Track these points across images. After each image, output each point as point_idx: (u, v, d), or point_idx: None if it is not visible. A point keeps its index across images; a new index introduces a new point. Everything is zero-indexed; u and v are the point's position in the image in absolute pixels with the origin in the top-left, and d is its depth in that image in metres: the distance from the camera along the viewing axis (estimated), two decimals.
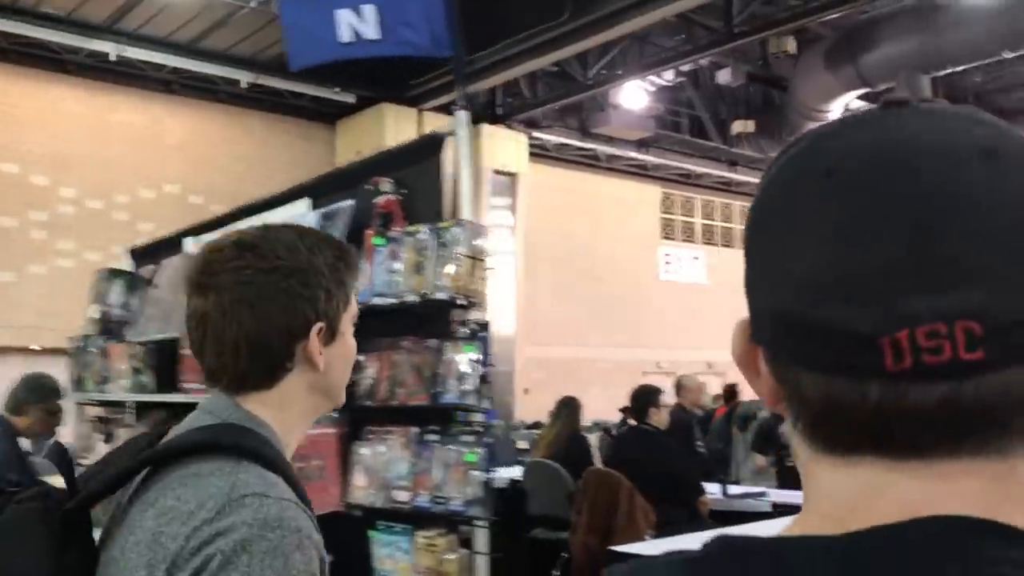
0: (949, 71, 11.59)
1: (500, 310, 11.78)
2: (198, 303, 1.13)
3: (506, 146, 12.02)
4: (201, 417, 1.13)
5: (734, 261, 16.56)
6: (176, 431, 1.13)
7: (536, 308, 13.15)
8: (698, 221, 16.12)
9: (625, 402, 11.96)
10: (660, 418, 5.07)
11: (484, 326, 2.58)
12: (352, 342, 1.21)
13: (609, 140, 13.29)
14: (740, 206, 16.75)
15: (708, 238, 16.32)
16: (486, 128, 11.74)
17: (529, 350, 12.63)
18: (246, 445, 1.06)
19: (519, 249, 12.06)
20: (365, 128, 11.72)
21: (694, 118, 14.58)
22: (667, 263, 15.53)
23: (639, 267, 14.97)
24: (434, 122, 11.57)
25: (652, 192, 15.43)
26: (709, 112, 14.12)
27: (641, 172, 14.93)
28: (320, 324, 1.14)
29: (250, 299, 1.11)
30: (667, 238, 15.62)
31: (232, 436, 1.08)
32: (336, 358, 1.18)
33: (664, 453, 4.90)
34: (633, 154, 13.74)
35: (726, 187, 15.90)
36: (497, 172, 11.88)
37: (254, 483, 1.02)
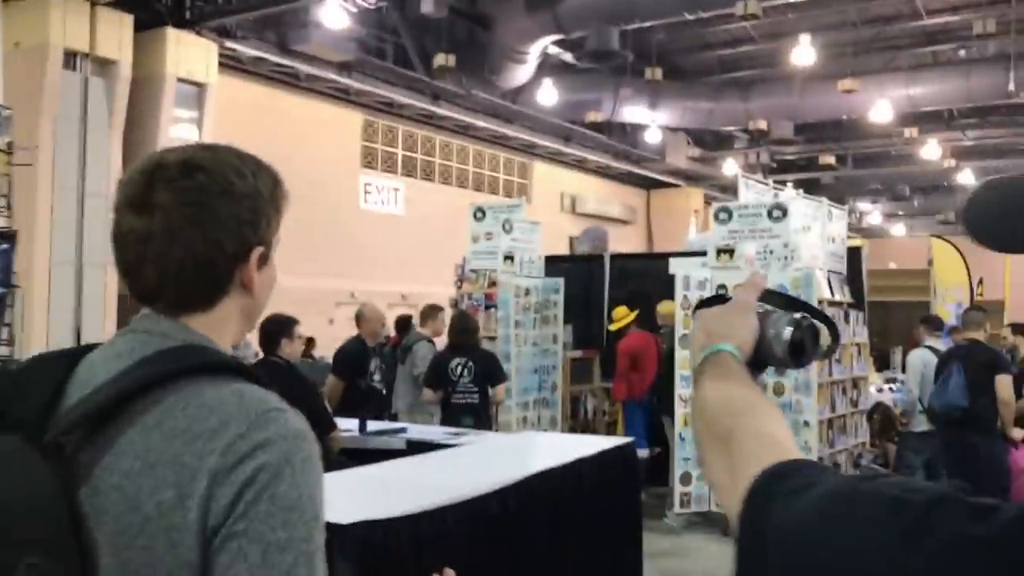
0: (637, 26, 12.26)
1: None
2: (137, 222, 1.11)
3: (193, 54, 11.13)
4: (152, 340, 1.11)
5: (433, 194, 16.72)
6: (117, 352, 1.11)
7: None
8: (400, 152, 16.02)
9: (315, 334, 11.74)
10: (292, 350, 4.90)
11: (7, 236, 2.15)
12: (275, 272, 1.23)
13: (310, 59, 12.74)
14: (441, 140, 16.85)
15: (409, 170, 16.29)
16: (171, 32, 10.81)
17: None
18: (232, 363, 1.10)
19: None
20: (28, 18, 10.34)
21: (399, 46, 14.37)
22: (367, 192, 15.32)
23: (338, 194, 14.64)
24: (109, 18, 10.44)
25: (354, 118, 15.08)
26: (413, 42, 13.97)
27: (343, 97, 14.52)
28: (260, 248, 1.16)
29: (200, 221, 1.11)
30: (368, 167, 15.38)
31: (216, 356, 1.11)
32: (266, 283, 1.21)
33: (290, 387, 4.74)
34: (334, 76, 13.29)
35: (428, 120, 15.90)
36: (182, 81, 10.99)
37: (268, 399, 1.07)
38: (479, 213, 8.70)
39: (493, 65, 14.00)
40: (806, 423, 7.05)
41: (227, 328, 1.19)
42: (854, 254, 9.34)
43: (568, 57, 16.11)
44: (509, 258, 8.35)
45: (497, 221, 8.41)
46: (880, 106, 15.76)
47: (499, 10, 13.23)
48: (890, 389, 9.89)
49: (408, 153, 16.26)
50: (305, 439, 1.07)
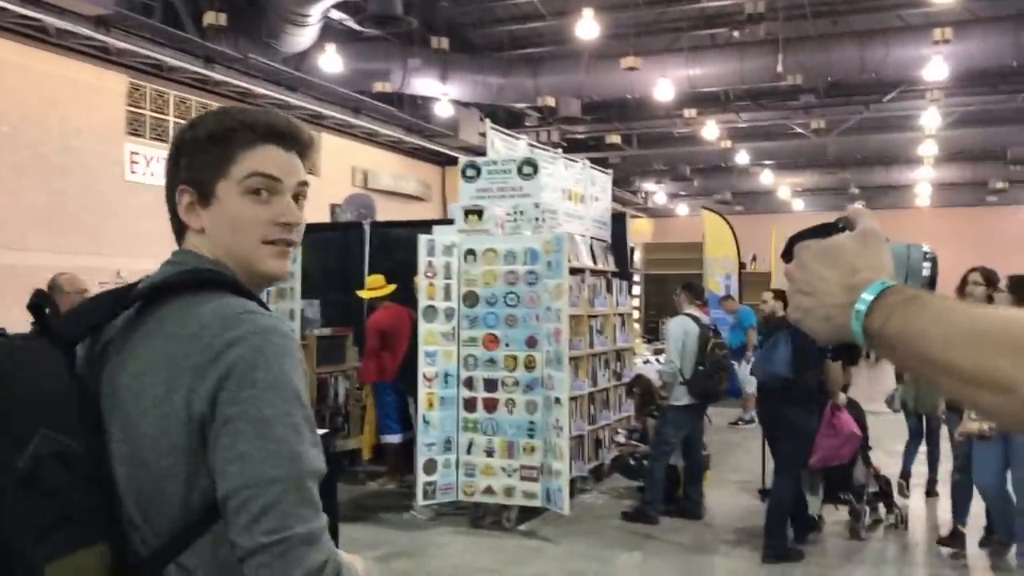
0: None
1: None
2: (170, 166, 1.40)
3: None
4: (167, 267, 1.35)
5: None
6: (149, 278, 1.33)
7: None
8: (171, 119, 14.85)
9: None
10: None
11: None
12: (238, 208, 1.35)
13: (60, 12, 11.45)
14: (219, 107, 15.78)
15: None
16: None
17: None
18: (220, 278, 1.30)
19: None
20: None
21: (165, 3, 13.25)
22: (134, 162, 14.08)
23: (100, 165, 13.35)
24: None
25: (117, 81, 13.79)
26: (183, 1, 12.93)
27: (102, 56, 13.22)
28: (182, 187, 1.36)
29: (169, 168, 1.39)
30: (134, 134, 14.14)
31: (203, 274, 1.30)
32: (216, 222, 1.36)
33: None
34: (90, 33, 12.04)
35: (203, 85, 14.81)
36: None
37: (242, 304, 1.27)
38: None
39: (271, 28, 13.18)
40: (557, 400, 6.54)
41: (212, 244, 1.37)
42: (619, 222, 9.16)
43: (354, 24, 15.50)
44: None
45: None
46: (662, 85, 16.18)
47: None
48: (658, 361, 10.02)
49: (181, 120, 15.10)
50: (276, 332, 1.24)
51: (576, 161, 8.22)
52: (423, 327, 6.87)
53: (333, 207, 15.49)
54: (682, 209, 32.25)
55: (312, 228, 9.53)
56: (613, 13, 16.78)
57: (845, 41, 16.11)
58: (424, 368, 6.87)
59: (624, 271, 8.74)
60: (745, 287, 13.51)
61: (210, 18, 12.15)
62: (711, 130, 20.64)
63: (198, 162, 1.35)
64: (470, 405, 6.92)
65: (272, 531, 1.15)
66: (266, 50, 13.79)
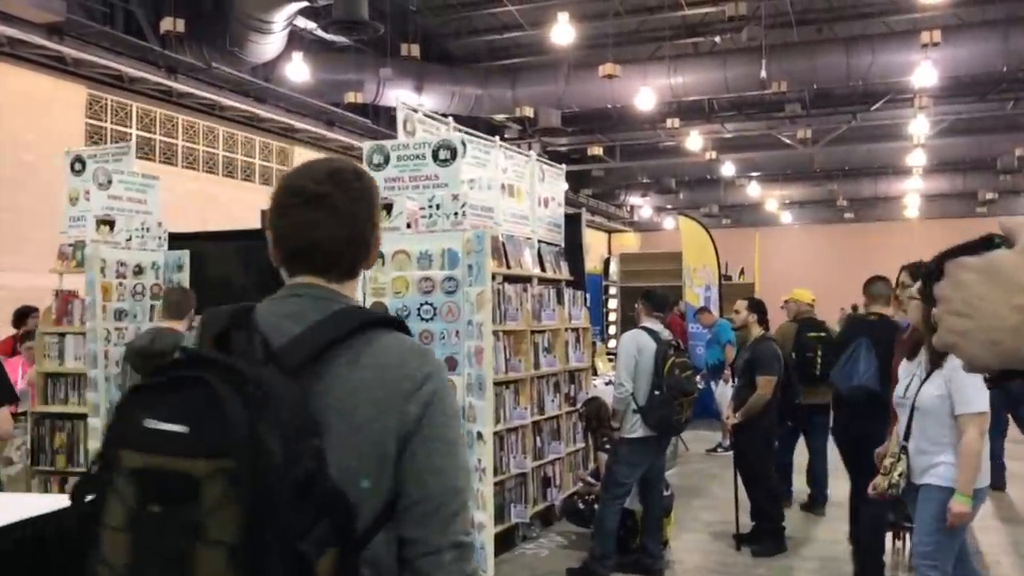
0: None
1: None
2: (310, 214, 1.50)
3: None
4: (321, 302, 1.51)
5: (177, 180, 15.13)
6: (299, 311, 1.49)
7: None
8: (134, 131, 14.30)
9: None
10: None
11: None
12: None
13: (8, 19, 10.93)
14: (185, 120, 15.25)
15: (146, 152, 14.60)
16: None
17: None
18: (392, 317, 1.58)
19: None
20: None
21: (125, 11, 12.75)
22: None
23: (56, 179, 12.78)
24: None
25: (75, 92, 13.25)
26: (139, 4, 12.42)
27: (60, 67, 12.68)
28: (376, 234, 1.61)
29: (352, 213, 1.53)
30: (95, 146, 13.57)
31: (380, 314, 1.56)
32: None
33: None
34: (42, 41, 11.50)
35: (167, 96, 14.27)
36: None
37: (418, 343, 1.57)
38: (77, 164, 6.74)
39: (235, 36, 12.66)
40: (479, 435, 5.27)
41: (355, 290, 1.64)
42: (572, 223, 7.90)
43: (322, 33, 15.01)
44: (106, 223, 6.41)
45: (103, 175, 6.55)
46: (643, 94, 15.73)
47: None
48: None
49: (145, 133, 14.56)
50: (445, 368, 1.56)
51: (523, 153, 7.23)
52: None
53: (263, 212, 14.91)
54: (668, 223, 31.76)
55: (233, 235, 8.06)
56: (593, 22, 16.39)
57: (830, 48, 15.72)
58: None
59: (579, 279, 7.58)
60: (727, 300, 12.82)
61: (167, 24, 11.63)
62: (695, 141, 20.21)
63: (378, 210, 1.63)
64: None
65: (460, 533, 1.45)
66: (231, 60, 13.27)
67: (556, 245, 7.39)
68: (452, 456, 1.46)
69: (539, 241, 7.05)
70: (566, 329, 7.01)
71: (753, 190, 26.97)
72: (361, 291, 5.19)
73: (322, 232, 1.50)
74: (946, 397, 3.68)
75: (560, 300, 6.99)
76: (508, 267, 6.33)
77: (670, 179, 25.84)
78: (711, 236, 12.66)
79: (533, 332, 6.49)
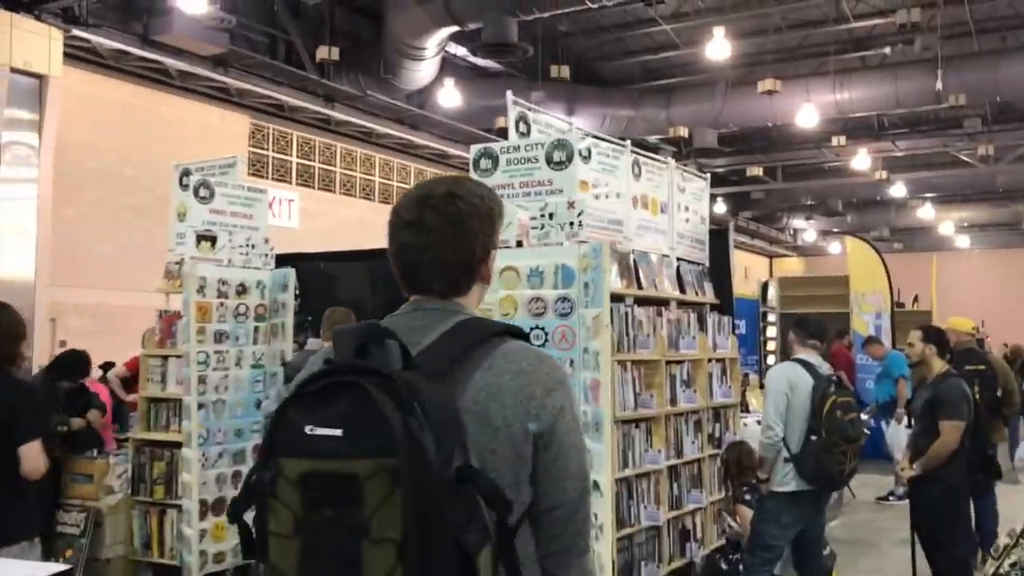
0: (535, 16, 11.25)
1: (9, 243, 9.68)
2: (415, 237, 1.60)
3: (31, 41, 9.81)
4: (445, 315, 1.60)
5: (332, 205, 15.55)
6: (425, 324, 1.58)
7: (77, 245, 11.14)
8: (294, 159, 14.78)
9: None
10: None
11: None
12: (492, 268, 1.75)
13: (178, 53, 11.47)
14: (343, 148, 15.63)
15: (305, 180, 15.05)
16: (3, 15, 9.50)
17: (62, 293, 10.65)
18: (516, 328, 1.63)
19: (46, 171, 9.96)
20: None
21: (286, 41, 13.19)
22: None
23: None
24: None
25: (240, 122, 13.81)
26: (299, 34, 12.81)
27: (226, 97, 13.24)
28: (493, 251, 1.69)
29: (460, 233, 1.60)
30: (256, 175, 14.10)
31: (505, 324, 1.62)
32: (490, 275, 1.73)
33: None
34: (208, 73, 12.03)
35: (324, 125, 14.67)
36: (16, 71, 9.66)
37: (542, 351, 1.67)
38: (185, 178, 6.15)
39: (388, 63, 12.86)
40: (595, 485, 4.35)
41: (474, 306, 1.69)
42: (719, 239, 7.07)
43: (475, 59, 15.09)
44: (207, 239, 5.93)
45: (205, 188, 6.07)
46: (805, 111, 14.94)
47: (388, 1, 12.14)
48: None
49: (305, 161, 15.02)
50: (567, 376, 1.67)
51: (658, 159, 6.38)
52: None
53: None
54: (835, 248, 30.16)
55: (345, 256, 7.88)
56: (752, 38, 15.76)
57: (1015, 57, 14.46)
58: None
59: (726, 303, 6.72)
60: (899, 329, 11.76)
61: (323, 53, 11.92)
62: (863, 160, 19.07)
63: (497, 231, 1.69)
64: None
65: (588, 536, 1.62)
66: (385, 87, 13.49)
67: (699, 264, 6.55)
68: (583, 463, 1.57)
69: (678, 259, 6.24)
70: (709, 360, 6.09)
71: (927, 212, 25.28)
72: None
73: (419, 255, 1.59)
74: None
75: (702, 326, 6.11)
76: (640, 287, 5.47)
77: (836, 201, 24.61)
78: (883, 259, 11.77)
79: (669, 362, 5.60)
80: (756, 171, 20.65)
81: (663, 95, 17.03)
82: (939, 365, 5.43)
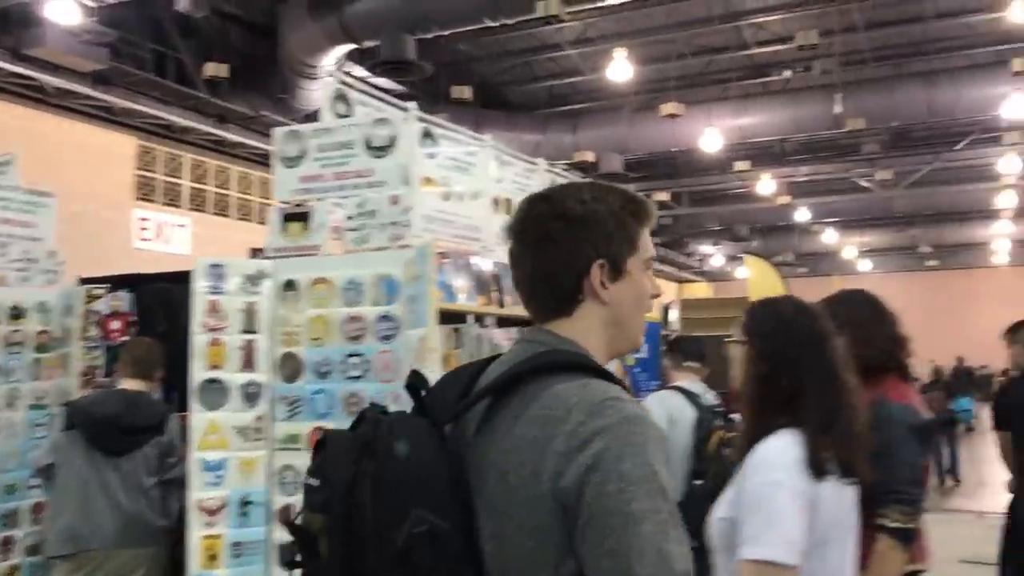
0: (435, 34, 10.94)
1: None
2: (511, 247, 1.44)
3: None
4: (530, 346, 1.37)
5: (227, 230, 14.90)
6: (507, 359, 1.39)
7: None
8: (186, 183, 14.11)
9: None
10: None
11: None
12: (644, 285, 1.44)
13: (55, 69, 10.79)
14: (238, 171, 15.02)
15: (198, 204, 14.38)
16: None
17: None
18: (583, 361, 1.31)
19: None
20: None
21: (175, 58, 12.58)
22: (143, 228, 13.31)
23: (105, 231, 12.58)
24: None
25: (125, 143, 13.10)
26: (188, 51, 12.23)
27: (109, 117, 12.54)
28: (601, 261, 1.37)
29: (539, 242, 1.39)
30: (144, 199, 13.39)
31: (569, 355, 1.33)
32: (623, 295, 1.40)
33: None
34: (88, 91, 11.35)
35: (218, 147, 14.06)
36: None
37: (606, 389, 1.26)
38: None
39: (284, 82, 12.37)
40: None
41: (590, 336, 1.39)
42: None
43: (380, 82, 14.70)
44: None
45: None
46: (708, 135, 14.99)
47: (281, 18, 11.68)
48: None
49: (197, 185, 14.36)
50: (641, 422, 1.24)
51: (526, 158, 5.55)
52: (198, 417, 3.83)
53: (253, 251, 14.49)
54: (741, 272, 30.61)
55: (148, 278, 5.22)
56: (656, 64, 15.81)
57: (910, 83, 14.79)
58: (199, 492, 3.78)
59: None
60: None
61: (210, 69, 11.37)
62: (767, 185, 19.30)
63: (614, 237, 1.40)
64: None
65: None
66: (281, 107, 12.99)
67: None
68: (632, 535, 1.17)
69: None
70: None
71: (830, 237, 25.82)
72: (269, 336, 3.89)
73: (520, 269, 1.44)
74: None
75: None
76: (502, 305, 4.64)
77: (742, 226, 24.91)
78: (782, 276, 11.74)
79: None
80: (663, 196, 20.72)
81: (570, 120, 16.96)
82: None
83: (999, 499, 5.47)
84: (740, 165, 18.28)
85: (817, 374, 2.05)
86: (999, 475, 5.43)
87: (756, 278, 11.83)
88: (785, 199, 20.74)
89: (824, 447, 1.95)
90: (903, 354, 2.67)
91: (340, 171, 3.98)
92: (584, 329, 1.38)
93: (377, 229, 3.82)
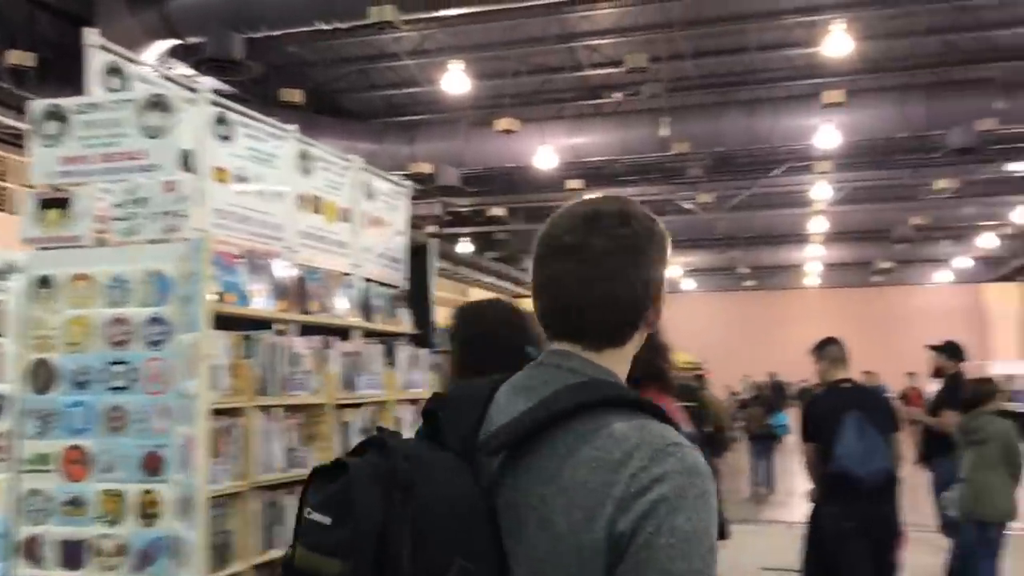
0: (265, 34, 10.53)
1: None
2: (561, 265, 1.26)
3: None
4: (561, 374, 1.24)
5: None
6: (530, 384, 1.25)
7: None
8: None
9: None
10: None
11: None
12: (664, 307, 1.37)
13: None
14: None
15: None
16: None
17: None
18: (637, 399, 1.21)
19: None
20: None
21: None
22: None
23: None
24: None
25: None
26: None
27: None
28: (656, 291, 1.30)
29: (607, 264, 1.24)
30: None
31: (620, 390, 1.23)
32: (657, 320, 1.34)
33: None
34: None
35: (16, 140, 13.03)
36: None
37: (667, 433, 1.17)
38: None
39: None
40: None
41: (627, 363, 1.32)
42: (418, 257, 5.90)
43: (208, 81, 14.04)
44: None
45: None
46: (542, 153, 15.19)
47: (97, 8, 10.95)
48: None
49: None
50: (700, 473, 1.15)
51: (338, 155, 5.27)
52: None
53: None
54: None
55: None
56: (493, 81, 15.90)
57: (733, 110, 15.51)
58: None
59: (426, 334, 5.59)
60: None
61: (16, 58, 10.52)
62: None
63: (663, 261, 1.33)
64: None
65: None
66: None
67: (394, 287, 5.49)
68: None
69: (367, 280, 5.16)
70: (400, 401, 4.95)
71: None
72: (18, 340, 3.45)
73: (580, 291, 1.26)
74: None
75: (392, 361, 4.96)
76: (306, 311, 4.37)
77: None
78: None
79: (342, 406, 4.40)
80: (499, 212, 20.86)
81: (406, 131, 16.80)
82: None
83: (806, 509, 5.71)
84: (573, 184, 18.63)
85: None
86: (807, 486, 5.67)
87: None
88: None
89: None
90: (663, 363, 2.49)
91: (108, 152, 3.50)
92: (623, 358, 1.31)
93: (148, 219, 3.35)
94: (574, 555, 1.12)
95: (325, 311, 4.54)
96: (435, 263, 6.04)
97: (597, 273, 1.25)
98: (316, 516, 1.13)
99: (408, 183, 6.07)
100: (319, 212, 4.84)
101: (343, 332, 4.77)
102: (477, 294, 27.94)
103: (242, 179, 4.08)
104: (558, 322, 1.29)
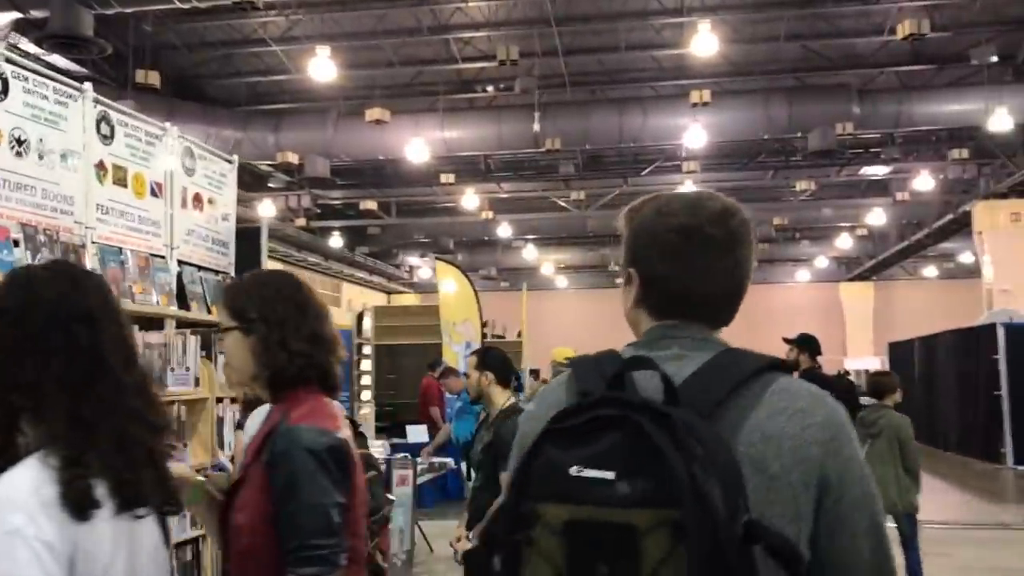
0: (116, 11, 9.94)
1: None
2: (704, 259, 1.38)
3: None
4: (706, 343, 1.37)
5: None
6: (682, 355, 1.34)
7: None
8: None
9: None
10: None
11: None
12: None
13: None
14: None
15: None
16: None
17: None
18: (780, 362, 1.34)
19: None
20: None
21: None
22: None
23: None
24: None
25: None
26: None
27: None
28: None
29: (736, 255, 1.40)
30: None
31: (770, 357, 1.34)
32: None
33: None
34: None
35: None
36: None
37: (813, 387, 1.34)
38: None
39: None
40: None
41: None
42: (247, 241, 5.55)
43: (57, 61, 13.19)
44: None
45: None
46: (414, 145, 14.95)
47: None
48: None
49: None
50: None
51: (153, 122, 4.77)
52: None
53: None
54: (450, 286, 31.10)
55: None
56: (365, 70, 15.55)
57: (603, 108, 15.66)
58: None
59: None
60: None
61: None
62: (471, 200, 19.67)
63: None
64: None
65: None
66: None
67: (221, 272, 5.09)
68: (877, 518, 1.30)
69: (184, 263, 4.78)
70: (221, 400, 4.44)
71: (530, 253, 26.87)
72: None
73: (715, 278, 1.40)
74: None
75: (209, 354, 4.51)
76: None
77: (448, 239, 25.24)
78: (472, 284, 11.83)
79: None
80: (371, 205, 20.48)
81: (272, 119, 16.25)
82: (502, 399, 4.56)
83: None
84: (446, 178, 18.46)
85: (70, 367, 1.51)
86: None
87: (446, 284, 11.79)
88: (488, 214, 21.26)
89: (86, 470, 1.46)
90: (325, 358, 2.13)
91: None
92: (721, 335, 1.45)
93: None
94: (788, 494, 1.25)
95: (131, 298, 4.09)
96: (265, 247, 5.64)
97: (730, 263, 1.40)
98: (591, 472, 1.12)
99: (235, 157, 5.60)
100: (123, 184, 4.34)
101: (158, 322, 4.31)
102: (349, 289, 27.41)
103: (20, 141, 3.64)
104: (680, 304, 1.40)
